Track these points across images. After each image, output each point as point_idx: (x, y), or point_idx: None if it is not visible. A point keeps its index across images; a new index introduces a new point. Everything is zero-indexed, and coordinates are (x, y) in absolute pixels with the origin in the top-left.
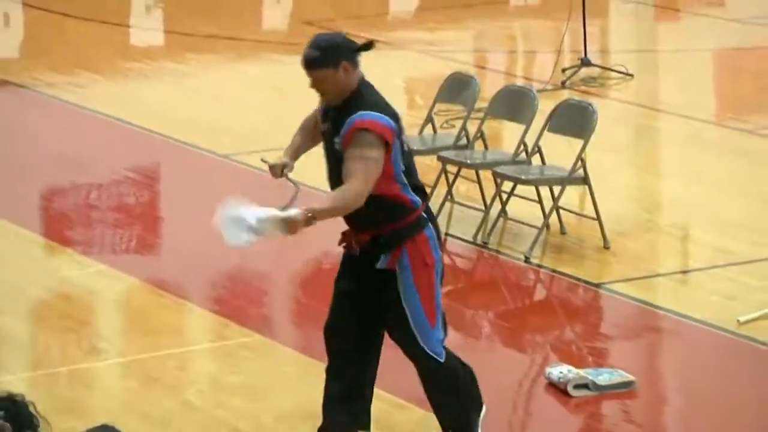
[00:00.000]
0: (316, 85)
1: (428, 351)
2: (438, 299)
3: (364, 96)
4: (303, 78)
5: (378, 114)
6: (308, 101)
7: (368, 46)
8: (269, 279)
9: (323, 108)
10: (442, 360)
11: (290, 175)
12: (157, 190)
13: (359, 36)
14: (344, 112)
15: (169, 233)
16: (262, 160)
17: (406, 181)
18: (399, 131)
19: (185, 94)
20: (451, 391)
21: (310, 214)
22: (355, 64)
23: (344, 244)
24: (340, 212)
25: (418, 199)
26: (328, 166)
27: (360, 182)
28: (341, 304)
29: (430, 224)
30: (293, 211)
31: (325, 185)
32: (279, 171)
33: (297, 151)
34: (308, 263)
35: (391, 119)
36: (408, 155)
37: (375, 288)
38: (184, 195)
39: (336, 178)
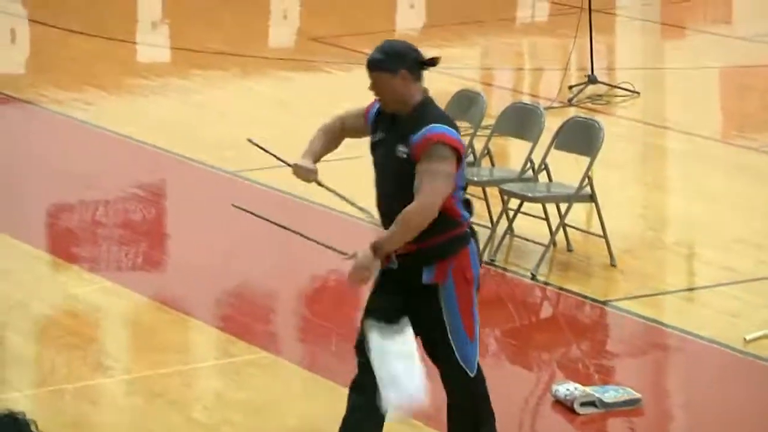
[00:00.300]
0: (373, 87)
1: (462, 364)
2: (476, 314)
3: (432, 109)
4: (310, 94)
5: (450, 128)
6: (315, 117)
7: (433, 61)
8: (276, 296)
9: (374, 118)
10: (473, 375)
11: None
12: (164, 207)
13: (364, 53)
14: (412, 122)
15: (175, 250)
16: (250, 140)
17: (461, 196)
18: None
19: (191, 111)
20: (475, 407)
21: (376, 249)
22: (415, 76)
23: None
24: (411, 233)
25: (467, 213)
26: (382, 174)
27: (431, 197)
28: (380, 298)
29: (473, 239)
30: (360, 254)
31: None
32: (311, 176)
33: (317, 154)
34: (315, 280)
35: (460, 133)
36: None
37: (413, 302)
38: (190, 211)
39: (392, 185)
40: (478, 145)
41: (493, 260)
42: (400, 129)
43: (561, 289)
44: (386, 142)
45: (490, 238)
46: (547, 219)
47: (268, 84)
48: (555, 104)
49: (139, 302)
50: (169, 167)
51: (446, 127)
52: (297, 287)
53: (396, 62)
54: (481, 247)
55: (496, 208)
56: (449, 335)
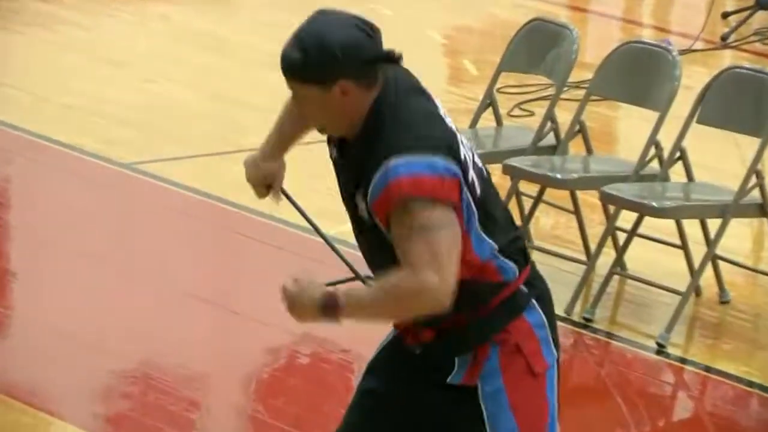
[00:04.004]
0: (297, 103)
1: None
2: (552, 428)
3: (388, 121)
4: (254, 28)
5: (421, 158)
6: (260, 65)
7: (392, 57)
8: (204, 383)
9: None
10: None
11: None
12: (7, 222)
13: None
14: (363, 150)
15: (29, 300)
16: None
17: (493, 243)
18: (463, 165)
19: (62, 57)
20: None
21: (329, 307)
22: (364, 83)
23: (399, 331)
24: (391, 315)
25: (511, 264)
26: (353, 225)
27: (428, 273)
28: (363, 409)
29: (535, 303)
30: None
31: None
32: (264, 190)
33: (286, 143)
34: (272, 357)
35: (445, 152)
36: (487, 193)
37: (443, 407)
38: (56, 230)
39: (368, 250)
40: (564, 116)
41: (588, 319)
42: (350, 157)
43: (708, 369)
44: (342, 173)
45: (585, 279)
46: (684, 247)
47: (188, 11)
48: (697, 45)
49: None
50: (20, 155)
51: (414, 160)
52: (240, 370)
53: (329, 69)
54: (570, 295)
55: (596, 227)
56: None
